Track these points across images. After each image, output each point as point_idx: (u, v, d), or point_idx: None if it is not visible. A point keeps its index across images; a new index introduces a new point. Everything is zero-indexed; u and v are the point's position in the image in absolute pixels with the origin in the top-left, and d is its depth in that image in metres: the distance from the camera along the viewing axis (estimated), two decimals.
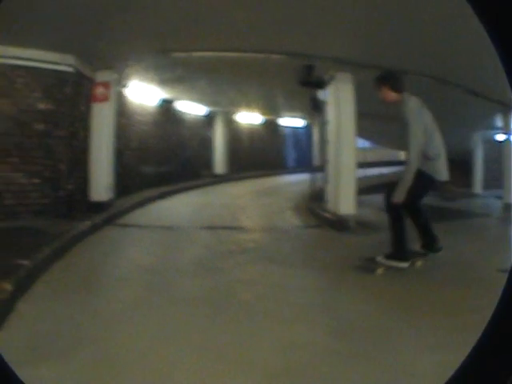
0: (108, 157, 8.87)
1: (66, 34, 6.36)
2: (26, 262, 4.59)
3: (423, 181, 4.94)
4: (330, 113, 8.57)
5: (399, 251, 5.03)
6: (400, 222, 5.03)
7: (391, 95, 5.06)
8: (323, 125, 9.16)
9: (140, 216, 9.20)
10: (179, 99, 14.30)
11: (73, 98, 7.89)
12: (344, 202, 8.04)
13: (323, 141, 9.12)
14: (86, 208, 8.05)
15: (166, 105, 13.76)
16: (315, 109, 10.07)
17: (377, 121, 11.61)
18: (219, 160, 17.98)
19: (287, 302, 4.12)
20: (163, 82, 10.85)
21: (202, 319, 3.69)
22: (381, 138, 18.16)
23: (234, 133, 19.05)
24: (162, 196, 11.90)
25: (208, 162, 17.51)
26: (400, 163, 23.77)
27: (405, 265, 5.01)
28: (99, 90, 8.72)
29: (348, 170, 8.12)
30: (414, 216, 5.21)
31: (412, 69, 7.19)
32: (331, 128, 8.52)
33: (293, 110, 17.48)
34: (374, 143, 23.10)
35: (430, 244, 5.27)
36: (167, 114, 13.91)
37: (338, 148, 8.19)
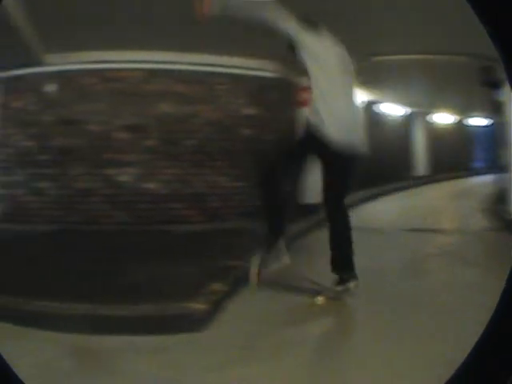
0: None
1: (269, 41, 6.29)
2: (238, 263, 4.42)
3: None
4: (508, 113, 8.36)
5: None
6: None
7: None
8: (504, 125, 8.99)
9: None
10: (380, 101, 14.23)
11: (278, 103, 7.83)
12: None
13: (505, 141, 8.87)
14: (297, 210, 7.83)
15: (369, 107, 13.31)
16: (495, 109, 10.01)
17: None
18: (420, 161, 17.73)
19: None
20: (365, 84, 10.59)
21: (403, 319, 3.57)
22: None
23: (431, 134, 18.60)
24: (366, 199, 11.59)
25: (408, 164, 17.18)
26: None
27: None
28: (306, 95, 8.58)
29: None
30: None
31: None
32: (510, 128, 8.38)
33: (480, 109, 17.09)
34: None
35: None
36: (370, 115, 13.43)
37: None
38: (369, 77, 9.27)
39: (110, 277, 4.08)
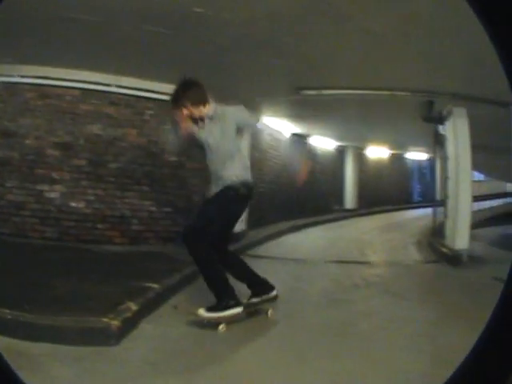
0: None
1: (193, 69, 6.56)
2: (154, 285, 4.67)
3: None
4: (449, 147, 8.69)
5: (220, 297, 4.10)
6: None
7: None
8: (444, 159, 9.35)
9: (272, 248, 9.31)
10: (311, 134, 14.47)
11: None
12: (459, 237, 8.14)
13: (444, 175, 9.19)
14: None
15: (298, 139, 13.76)
16: (437, 143, 10.26)
17: (489, 153, 12.01)
18: (349, 195, 18.17)
19: (400, 332, 4.24)
20: (295, 117, 11.09)
21: (323, 346, 3.79)
22: (492, 170, 18.43)
23: (363, 167, 19.06)
24: (294, 229, 11.90)
25: (339, 197, 17.65)
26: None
27: (237, 310, 4.13)
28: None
29: (464, 205, 8.19)
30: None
31: None
32: (450, 163, 8.60)
33: (417, 144, 17.16)
34: (486, 176, 22.95)
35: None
36: (300, 148, 13.89)
37: (456, 183, 8.30)
38: (300, 110, 9.81)
39: (37, 288, 4.28)
